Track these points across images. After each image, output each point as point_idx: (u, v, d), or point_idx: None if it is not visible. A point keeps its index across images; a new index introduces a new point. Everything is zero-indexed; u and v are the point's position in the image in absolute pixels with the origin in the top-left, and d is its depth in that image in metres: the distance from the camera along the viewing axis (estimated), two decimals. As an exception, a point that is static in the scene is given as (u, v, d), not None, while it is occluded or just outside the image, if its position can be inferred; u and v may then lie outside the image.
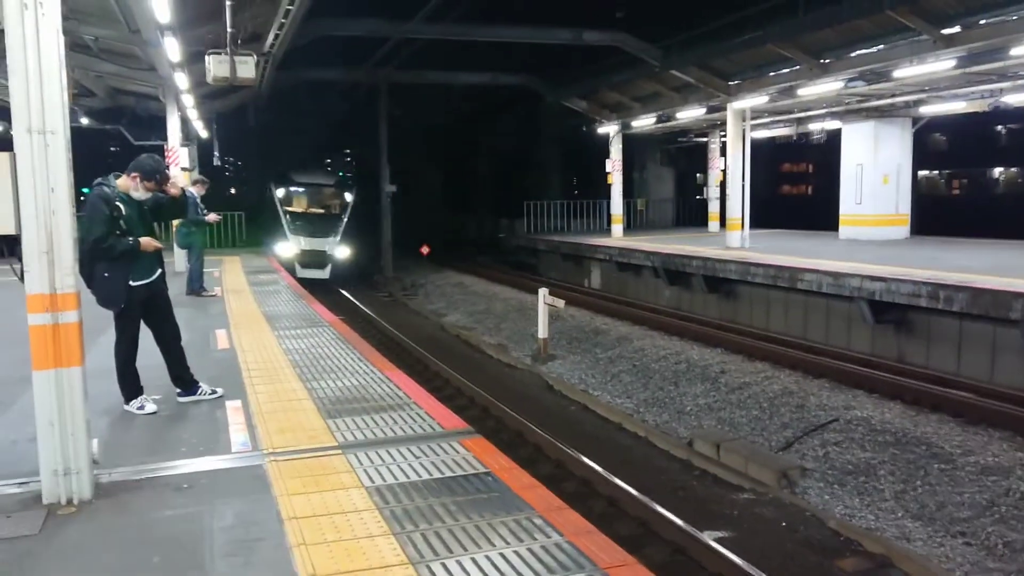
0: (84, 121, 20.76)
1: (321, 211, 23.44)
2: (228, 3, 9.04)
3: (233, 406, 5.96)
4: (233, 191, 36.95)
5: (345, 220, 22.79)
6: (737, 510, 7.13)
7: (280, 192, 23.16)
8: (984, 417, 8.85)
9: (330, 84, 27.16)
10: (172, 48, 10.71)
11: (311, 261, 21.63)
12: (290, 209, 22.96)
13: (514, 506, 4.05)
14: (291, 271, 18.60)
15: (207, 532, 3.78)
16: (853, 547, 6.33)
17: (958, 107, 16.91)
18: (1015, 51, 11.44)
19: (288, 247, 21.84)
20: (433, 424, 5.51)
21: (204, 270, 13.02)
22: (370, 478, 4.46)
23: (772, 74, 16.32)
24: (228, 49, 9.46)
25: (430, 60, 24.43)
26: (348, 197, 23.63)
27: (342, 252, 22.34)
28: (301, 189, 23.74)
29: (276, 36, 12.76)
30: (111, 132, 25.17)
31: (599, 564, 3.42)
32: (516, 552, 3.53)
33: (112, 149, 34.64)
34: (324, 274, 21.72)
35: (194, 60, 12.74)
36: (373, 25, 19.85)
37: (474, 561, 3.44)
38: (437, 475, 4.50)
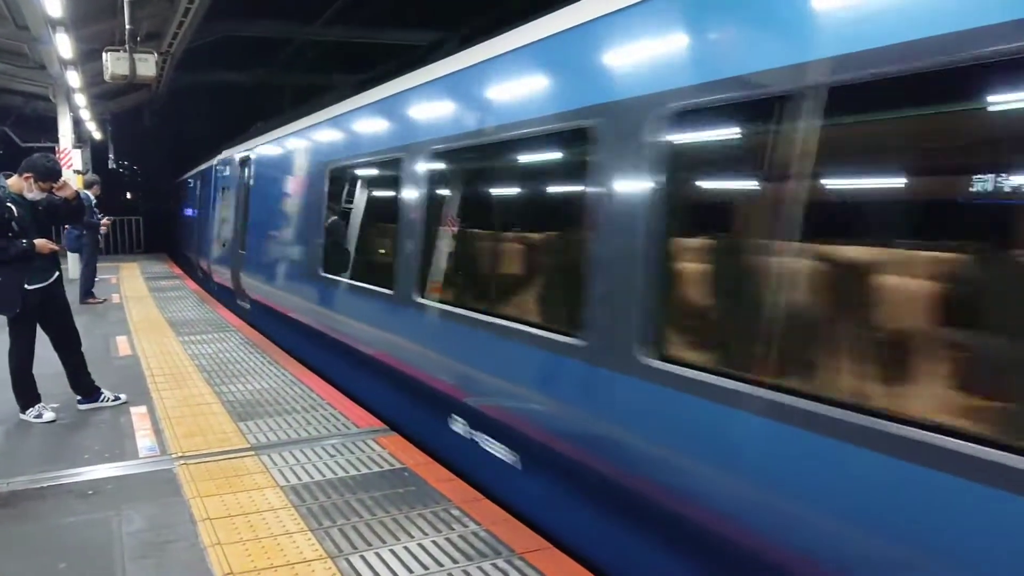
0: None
1: None
2: (126, -1, 8.77)
3: (138, 412, 5.79)
4: (129, 195, 35.45)
5: None
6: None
7: None
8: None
9: (232, 86, 26.48)
10: (64, 45, 10.26)
11: None
12: None
13: (431, 499, 4.10)
14: None
15: (116, 537, 3.68)
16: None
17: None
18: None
19: None
20: (347, 423, 5.50)
21: (98, 277, 12.55)
22: (285, 478, 4.42)
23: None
24: (127, 46, 9.15)
25: (338, 62, 24.15)
26: None
27: None
28: None
29: (175, 35, 12.42)
30: (-6, 134, 23.87)
31: (516, 549, 3.50)
32: (435, 542, 3.58)
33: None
34: None
35: (88, 58, 12.26)
36: (275, 26, 19.49)
37: (393, 552, 3.48)
38: (353, 472, 4.50)
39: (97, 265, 12.39)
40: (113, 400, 5.97)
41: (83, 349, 5.99)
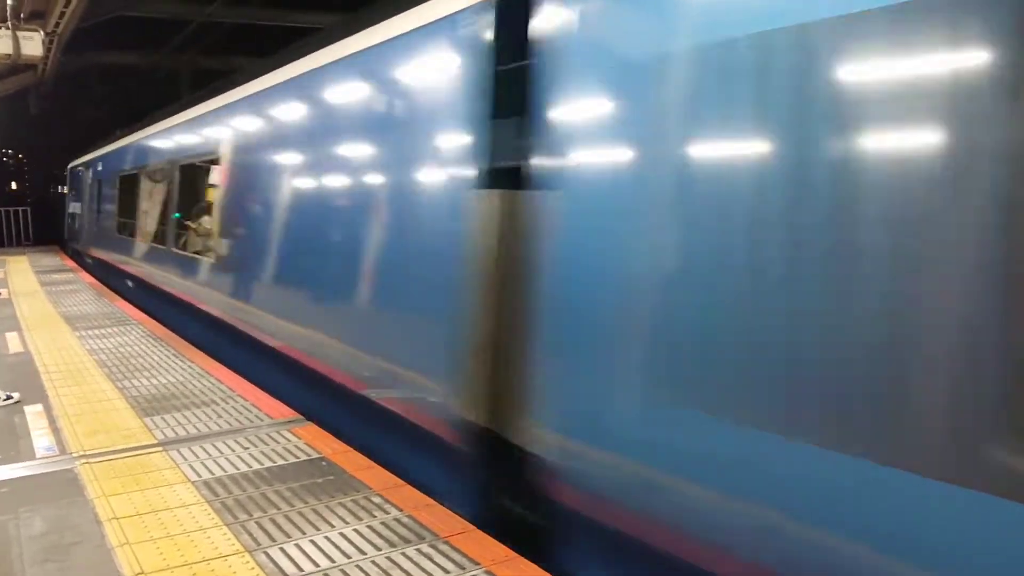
0: None
1: None
2: (7, -28, 8.21)
3: (33, 411, 5.48)
4: (15, 185, 33.53)
5: None
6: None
7: None
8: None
9: (126, 69, 25.27)
10: (-62, 22, 9.57)
11: None
12: None
13: (351, 487, 4.03)
14: None
15: (14, 542, 3.47)
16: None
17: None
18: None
19: None
20: (260, 415, 5.34)
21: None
22: (196, 473, 4.26)
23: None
24: (10, 23, 8.57)
25: (240, 45, 23.32)
26: None
27: None
28: None
29: (62, 14, 11.74)
30: None
31: (439, 534, 3.47)
32: (356, 530, 3.52)
33: None
34: None
35: (-35, 37, 11.46)
36: (172, 6, 18.70)
37: (313, 543, 3.40)
38: (269, 464, 4.38)
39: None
40: (4, 399, 5.63)
41: (-30, 346, 5.64)
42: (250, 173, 7.12)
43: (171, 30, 21.19)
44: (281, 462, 4.41)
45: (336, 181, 5.40)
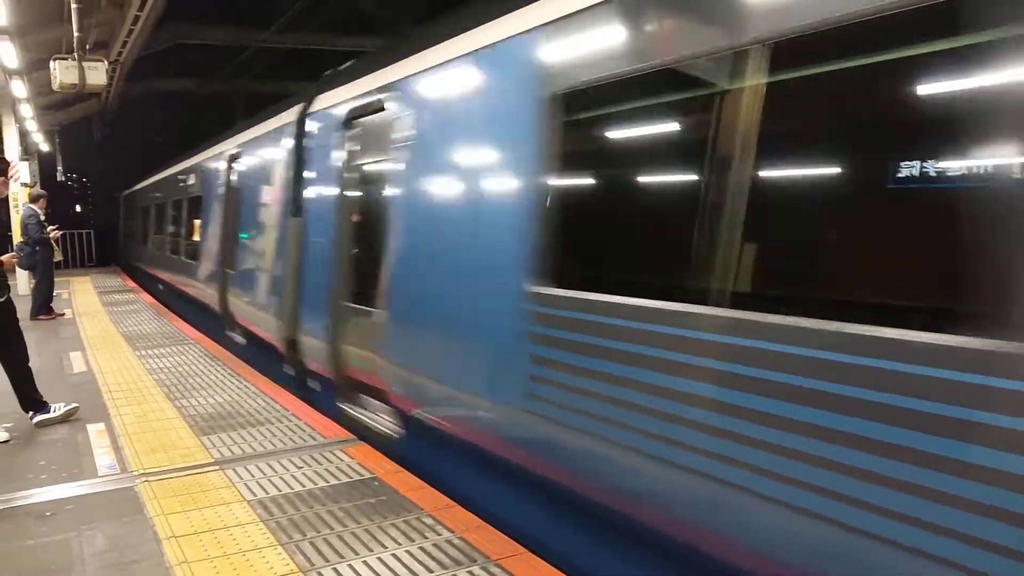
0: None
1: None
2: (75, 6, 8.54)
3: (96, 429, 5.63)
4: (79, 208, 34.74)
5: None
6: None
7: None
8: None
9: (185, 95, 26.04)
10: (9, 54, 9.99)
11: None
12: None
13: (403, 507, 4.05)
14: None
15: (77, 558, 3.56)
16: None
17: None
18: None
19: None
20: (314, 434, 5.41)
21: (54, 292, 12.23)
22: (251, 492, 4.33)
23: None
24: (76, 54, 8.91)
25: (292, 70, 23.86)
26: None
27: None
28: None
29: (124, 43, 12.16)
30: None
31: (491, 556, 3.47)
32: (408, 551, 3.53)
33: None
34: None
35: (34, 68, 11.97)
36: (228, 33, 19.26)
37: (366, 564, 3.41)
38: (322, 483, 4.42)
39: (54, 280, 12.13)
40: (64, 407, 5.81)
41: (35, 367, 5.83)
42: None
43: (226, 56, 21.77)
44: (334, 482, 4.45)
45: None
